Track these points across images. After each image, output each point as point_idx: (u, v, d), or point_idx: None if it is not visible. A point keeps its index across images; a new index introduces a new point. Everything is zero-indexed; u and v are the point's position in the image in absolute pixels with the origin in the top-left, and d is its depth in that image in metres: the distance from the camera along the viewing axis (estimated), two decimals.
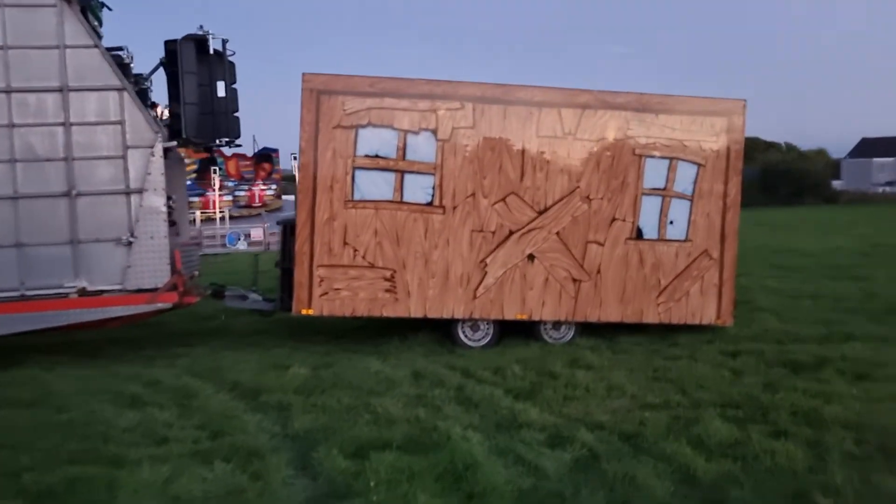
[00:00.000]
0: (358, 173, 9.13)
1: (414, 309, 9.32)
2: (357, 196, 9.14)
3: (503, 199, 9.31)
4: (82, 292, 8.81)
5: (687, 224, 9.68)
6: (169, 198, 10.12)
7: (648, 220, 9.58)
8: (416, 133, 9.16)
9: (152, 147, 8.89)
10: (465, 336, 9.56)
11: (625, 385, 7.34)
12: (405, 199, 9.20)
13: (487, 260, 9.34)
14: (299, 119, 9.03)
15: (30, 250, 8.70)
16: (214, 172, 34.54)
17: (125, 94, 8.83)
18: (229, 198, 41.42)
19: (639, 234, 9.56)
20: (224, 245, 28.05)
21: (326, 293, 9.18)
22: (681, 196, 9.63)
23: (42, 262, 8.73)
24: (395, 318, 9.39)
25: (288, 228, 9.72)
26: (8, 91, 8.55)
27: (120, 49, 9.41)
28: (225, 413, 6.57)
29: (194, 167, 45.27)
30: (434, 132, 9.18)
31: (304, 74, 9.01)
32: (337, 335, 10.19)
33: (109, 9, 10.41)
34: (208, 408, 6.73)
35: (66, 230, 8.76)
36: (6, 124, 8.57)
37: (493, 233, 9.33)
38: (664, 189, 9.59)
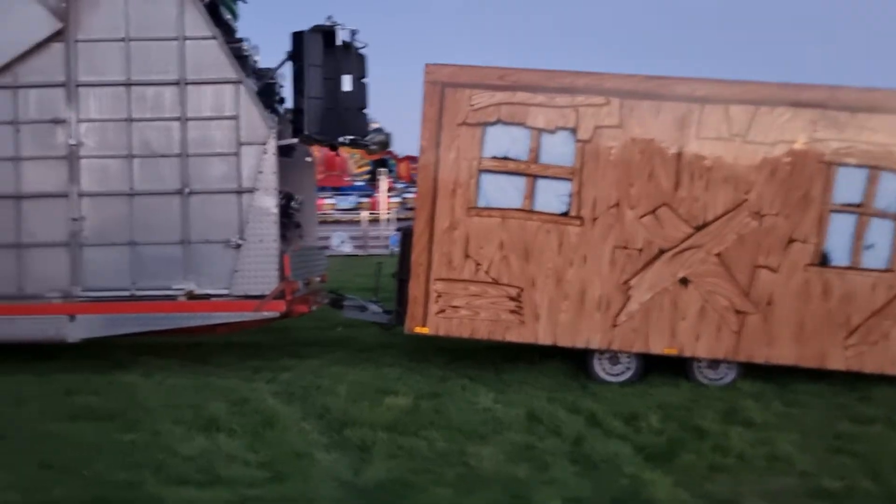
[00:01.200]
0: (484, 177, 8.04)
1: (542, 335, 8.09)
2: (482, 203, 8.05)
3: (653, 212, 7.86)
4: (190, 295, 8.37)
5: (891, 250, 7.74)
6: (292, 198, 9.57)
7: (837, 243, 7.74)
8: (551, 132, 7.93)
9: (265, 144, 8.29)
10: (602, 369, 8.19)
11: (793, 456, 5.73)
12: (536, 207, 7.99)
13: (632, 282, 7.92)
14: (421, 115, 8.09)
15: (142, 249, 8.38)
16: (382, 174, 34.78)
17: (241, 87, 8.29)
18: (397, 199, 41.82)
19: (824, 260, 7.74)
20: (388, 246, 28.06)
21: (443, 311, 8.17)
22: (883, 215, 7.70)
23: (153, 262, 8.38)
24: (521, 345, 8.22)
25: (407, 236, 8.80)
26: (128, 84, 8.27)
27: (239, 40, 8.94)
28: (297, 449, 5.71)
29: (367, 168, 46.48)
30: (573, 131, 7.90)
31: (427, 65, 8.05)
32: (460, 356, 9.14)
33: (244, 1, 10.04)
34: (283, 440, 5.90)
35: (177, 230, 8.35)
36: (125, 118, 8.29)
37: (640, 250, 7.90)
38: (860, 205, 7.71)
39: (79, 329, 8.29)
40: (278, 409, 6.68)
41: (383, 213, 32.56)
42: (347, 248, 30.05)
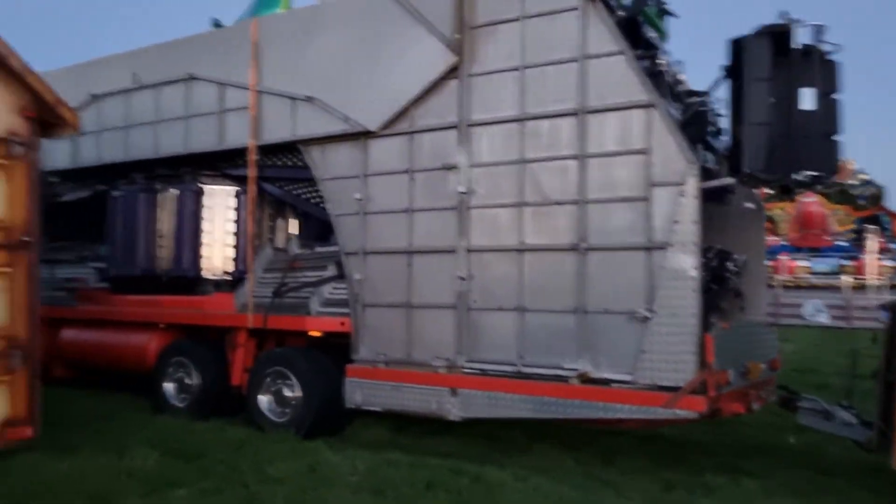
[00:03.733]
0: None
1: None
2: None
3: None
4: (584, 378, 6.60)
5: None
6: (729, 258, 7.30)
7: None
8: None
9: (683, 184, 6.19)
10: None
11: None
12: None
13: None
14: None
15: (531, 317, 6.90)
16: (871, 233, 29.25)
17: (654, 112, 6.37)
18: (892, 263, 34.75)
19: None
20: (878, 319, 22.88)
21: None
22: None
23: (543, 333, 6.84)
24: None
25: None
26: (521, 119, 6.98)
27: (654, 55, 7.05)
28: None
29: (853, 226, 40.01)
30: None
31: None
32: None
33: (674, 15, 8.16)
34: None
35: (571, 295, 6.69)
36: (516, 160, 7.00)
37: None
38: None
39: (460, 406, 7.12)
40: None
41: (871, 278, 27.05)
42: (824, 319, 25.61)
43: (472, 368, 7.17)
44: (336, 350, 8.03)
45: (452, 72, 7.30)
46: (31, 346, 6.87)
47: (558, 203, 6.78)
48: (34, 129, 7.01)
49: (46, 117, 7.12)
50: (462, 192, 7.21)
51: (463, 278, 7.21)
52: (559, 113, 6.78)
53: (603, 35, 6.60)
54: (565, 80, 6.75)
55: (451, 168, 7.30)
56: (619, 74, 6.51)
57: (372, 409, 7.70)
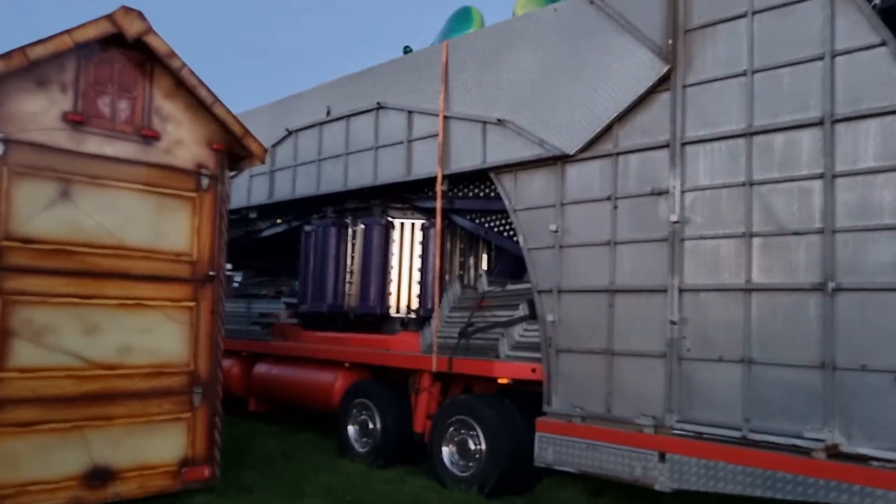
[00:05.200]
0: None
1: None
2: None
3: None
4: (832, 452, 5.24)
5: None
6: None
7: None
8: None
9: None
10: None
11: None
12: None
13: None
14: None
15: (760, 371, 5.67)
16: None
17: None
18: None
19: None
20: None
21: None
22: None
23: (776, 392, 5.57)
24: None
25: None
26: (748, 134, 5.83)
27: None
28: None
29: None
30: None
31: None
32: None
33: None
34: None
35: (815, 346, 5.39)
36: (742, 182, 5.84)
37: None
38: None
39: (669, 474, 5.98)
40: None
41: None
42: None
43: (684, 430, 6.02)
44: (526, 399, 7.20)
45: (663, 83, 6.32)
46: (213, 384, 6.67)
47: (797, 233, 5.53)
48: (222, 161, 6.91)
49: (234, 150, 7.01)
50: (674, 222, 6.15)
51: (675, 322, 6.11)
52: (798, 124, 5.57)
53: (858, 24, 5.35)
54: (806, 84, 5.55)
55: (661, 193, 6.28)
56: (881, 71, 5.22)
57: (564, 469, 6.74)
